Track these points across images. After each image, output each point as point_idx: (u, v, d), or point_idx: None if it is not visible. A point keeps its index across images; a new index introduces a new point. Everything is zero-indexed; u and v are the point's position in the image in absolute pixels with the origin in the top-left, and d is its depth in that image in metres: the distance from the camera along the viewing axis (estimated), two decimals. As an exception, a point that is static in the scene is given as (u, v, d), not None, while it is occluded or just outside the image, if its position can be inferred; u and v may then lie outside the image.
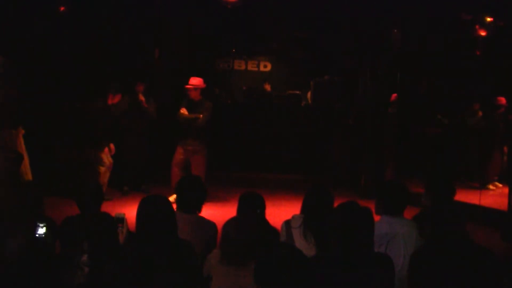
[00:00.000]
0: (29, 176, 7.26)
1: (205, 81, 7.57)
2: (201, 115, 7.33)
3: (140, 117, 7.87)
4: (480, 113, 9.52)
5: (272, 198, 7.09)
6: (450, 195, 3.92)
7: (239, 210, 3.63)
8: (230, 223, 3.01)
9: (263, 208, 3.67)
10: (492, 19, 8.87)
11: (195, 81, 7.44)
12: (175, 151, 7.52)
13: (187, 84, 7.44)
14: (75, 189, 3.78)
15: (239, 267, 2.85)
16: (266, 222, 3.64)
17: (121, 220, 3.50)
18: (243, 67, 13.95)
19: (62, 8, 8.36)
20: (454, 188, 3.99)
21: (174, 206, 3.35)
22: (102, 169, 7.34)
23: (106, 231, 3.05)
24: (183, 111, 7.36)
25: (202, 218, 3.76)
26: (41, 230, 3.20)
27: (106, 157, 7.42)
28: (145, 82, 8.00)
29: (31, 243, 2.92)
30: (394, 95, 8.84)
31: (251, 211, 3.55)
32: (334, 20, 9.36)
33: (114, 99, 7.49)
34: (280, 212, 5.66)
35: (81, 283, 2.86)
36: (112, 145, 7.53)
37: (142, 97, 7.84)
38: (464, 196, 7.18)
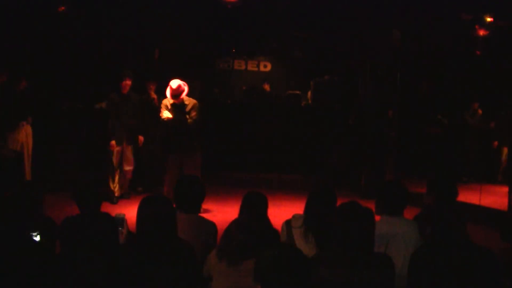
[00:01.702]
0: (28, 176, 7.28)
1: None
2: (188, 117, 6.74)
3: (151, 118, 7.67)
4: (480, 112, 9.54)
5: (272, 198, 7.03)
6: (452, 196, 3.91)
7: (242, 210, 3.62)
8: (233, 223, 3.03)
9: (266, 208, 3.67)
10: (492, 19, 8.87)
11: (176, 84, 6.61)
12: (167, 161, 6.95)
13: (169, 90, 6.66)
14: (75, 189, 3.77)
15: (239, 267, 2.85)
16: (268, 223, 3.65)
17: (121, 220, 3.50)
18: (243, 67, 13.93)
19: (62, 8, 8.36)
20: (456, 189, 3.98)
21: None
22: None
23: (106, 231, 3.05)
24: (167, 114, 6.74)
25: (202, 218, 3.76)
26: (36, 238, 3.19)
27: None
28: (155, 81, 7.91)
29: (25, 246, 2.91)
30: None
31: (254, 211, 3.55)
32: (334, 20, 9.36)
33: (125, 88, 7.19)
34: (280, 212, 5.66)
35: (81, 283, 2.85)
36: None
37: (154, 95, 7.73)
38: (464, 196, 7.18)
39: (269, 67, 13.98)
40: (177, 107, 6.76)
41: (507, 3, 8.20)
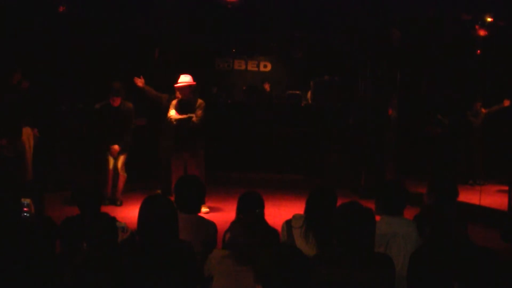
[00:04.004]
0: (30, 176, 7.28)
1: (195, 79, 7.08)
2: (194, 115, 6.87)
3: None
4: (484, 111, 9.48)
5: (272, 198, 7.09)
6: (453, 196, 3.91)
7: (238, 210, 3.63)
8: (234, 226, 3.03)
9: (262, 208, 3.67)
10: (492, 19, 8.87)
11: (186, 78, 6.97)
12: (172, 160, 7.06)
13: (177, 83, 6.96)
14: (75, 189, 3.78)
15: (240, 267, 2.85)
16: (265, 223, 3.65)
17: (122, 229, 3.47)
18: (243, 67, 13.94)
19: (62, 8, 8.36)
20: (457, 189, 3.98)
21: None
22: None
23: (106, 231, 3.05)
24: (174, 113, 6.90)
25: (202, 218, 3.76)
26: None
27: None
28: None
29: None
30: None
31: (250, 211, 3.55)
32: (334, 20, 9.36)
33: (115, 102, 7.10)
34: (280, 212, 5.67)
35: (81, 283, 2.86)
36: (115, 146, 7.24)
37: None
38: (464, 196, 7.18)
39: (269, 67, 13.99)
40: (184, 104, 6.95)
41: (507, 3, 8.20)
